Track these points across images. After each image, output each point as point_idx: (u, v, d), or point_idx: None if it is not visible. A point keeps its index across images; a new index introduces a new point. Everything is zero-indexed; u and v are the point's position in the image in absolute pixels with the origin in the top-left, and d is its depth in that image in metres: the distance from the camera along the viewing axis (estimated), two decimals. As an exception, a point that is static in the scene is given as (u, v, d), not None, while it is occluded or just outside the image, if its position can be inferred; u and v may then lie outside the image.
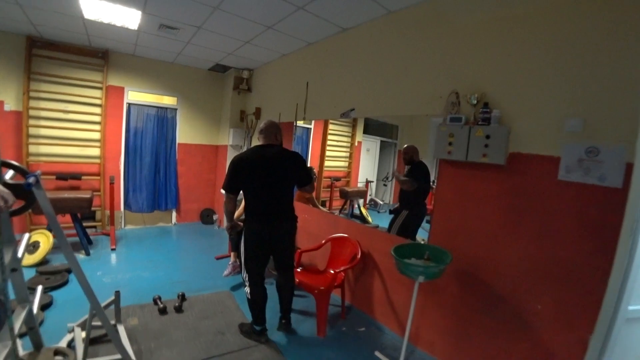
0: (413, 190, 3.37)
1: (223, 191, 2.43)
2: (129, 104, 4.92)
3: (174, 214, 5.45)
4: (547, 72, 1.92)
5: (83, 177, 4.46)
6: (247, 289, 2.43)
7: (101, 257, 3.81)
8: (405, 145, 3.72)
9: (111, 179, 4.28)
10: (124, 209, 4.98)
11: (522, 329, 1.97)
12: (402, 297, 2.67)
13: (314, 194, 4.28)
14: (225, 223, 2.59)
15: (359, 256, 2.86)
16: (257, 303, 2.43)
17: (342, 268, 2.78)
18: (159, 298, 2.85)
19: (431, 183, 3.50)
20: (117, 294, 2.11)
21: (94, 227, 4.64)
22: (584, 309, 1.76)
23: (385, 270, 2.82)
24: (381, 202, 7.95)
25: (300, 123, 7.14)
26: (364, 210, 7.22)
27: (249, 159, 2.35)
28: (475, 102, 2.15)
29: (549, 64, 1.91)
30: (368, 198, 8.11)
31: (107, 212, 4.77)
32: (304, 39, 3.66)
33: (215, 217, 5.59)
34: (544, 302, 1.90)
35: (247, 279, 2.44)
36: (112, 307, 2.20)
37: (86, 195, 3.88)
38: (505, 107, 2.07)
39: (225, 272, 3.35)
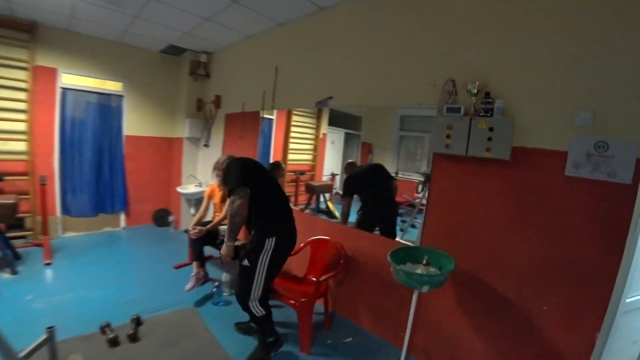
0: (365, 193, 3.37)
1: (233, 194, 2.03)
2: (64, 89, 4.17)
3: (122, 216, 4.80)
4: (556, 60, 1.77)
5: (6, 178, 3.69)
6: (257, 305, 2.14)
7: (33, 276, 3.16)
8: (346, 163, 3.95)
9: (42, 179, 3.59)
10: (62, 213, 4.25)
11: (528, 332, 1.86)
12: (391, 302, 2.47)
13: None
14: (225, 246, 2.14)
15: (342, 261, 2.61)
16: (270, 316, 2.25)
17: (326, 276, 2.50)
18: (108, 325, 2.36)
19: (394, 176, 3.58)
20: (51, 332, 1.64)
21: (23, 237, 3.89)
22: (592, 308, 1.67)
23: (371, 274, 2.59)
24: (347, 196, 7.79)
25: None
26: (330, 205, 7.02)
27: (253, 161, 2.36)
28: (475, 91, 1.95)
29: (559, 51, 1.76)
30: (334, 192, 7.93)
31: (40, 218, 4.04)
32: (273, 18, 3.27)
33: (170, 218, 5.02)
34: (550, 302, 1.79)
35: (258, 293, 2.12)
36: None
37: (9, 200, 3.20)
38: (509, 98, 1.90)
39: (188, 286, 2.90)
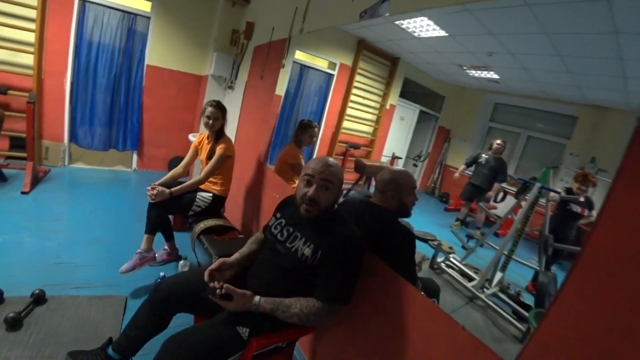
0: None
1: (334, 304, 1.24)
2: (84, 2, 3.62)
3: (134, 157, 4.32)
4: None
5: (10, 92, 3.32)
6: None
7: (-4, 203, 2.76)
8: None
9: (30, 96, 3.12)
10: (70, 141, 3.88)
11: None
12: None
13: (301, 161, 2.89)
14: (243, 302, 1.21)
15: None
16: None
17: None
18: (-2, 294, 1.74)
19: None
20: None
21: (23, 159, 3.58)
22: None
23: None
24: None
25: (323, 66, 5.54)
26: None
27: None
28: None
29: None
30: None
31: (47, 142, 3.72)
32: None
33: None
34: None
35: None
36: None
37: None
38: None
39: (124, 267, 2.08)
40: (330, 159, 1.31)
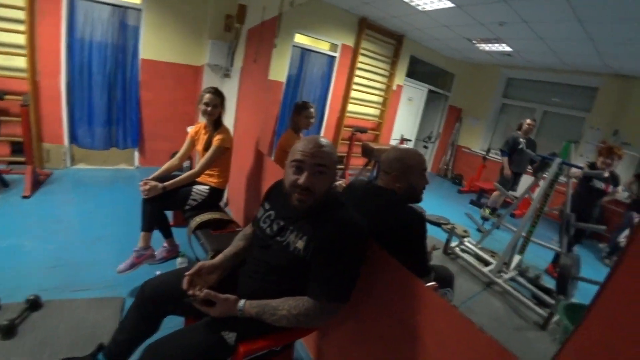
0: None
1: (332, 301, 1.10)
2: (72, -2, 3.52)
3: (136, 154, 4.27)
4: None
5: (6, 97, 3.28)
6: None
7: (-3, 209, 2.75)
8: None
9: (24, 99, 3.06)
10: (70, 142, 3.84)
11: None
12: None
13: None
14: (226, 307, 1.10)
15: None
16: None
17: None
18: (-7, 302, 1.70)
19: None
20: None
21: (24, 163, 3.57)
22: None
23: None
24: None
25: (324, 49, 5.38)
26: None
27: None
28: None
29: None
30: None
31: (48, 145, 3.69)
32: None
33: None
34: None
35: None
36: None
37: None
38: None
39: (121, 266, 2.04)
40: (322, 138, 1.14)
